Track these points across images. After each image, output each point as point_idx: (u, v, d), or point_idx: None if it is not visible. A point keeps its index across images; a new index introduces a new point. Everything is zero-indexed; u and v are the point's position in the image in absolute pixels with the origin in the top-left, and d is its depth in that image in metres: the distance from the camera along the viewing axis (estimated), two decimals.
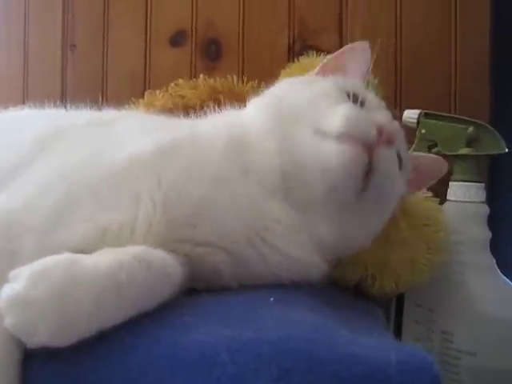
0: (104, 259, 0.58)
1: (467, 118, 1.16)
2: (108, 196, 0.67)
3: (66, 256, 0.56)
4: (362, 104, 0.74)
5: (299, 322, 0.57)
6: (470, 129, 1.13)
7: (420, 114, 1.18)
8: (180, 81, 1.29)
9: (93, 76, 1.64)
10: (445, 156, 1.02)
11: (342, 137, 0.67)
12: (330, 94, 0.75)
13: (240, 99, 0.89)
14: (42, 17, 1.72)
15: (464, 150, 1.12)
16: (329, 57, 0.89)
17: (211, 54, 1.57)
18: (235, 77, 1.30)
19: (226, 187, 0.71)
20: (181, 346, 0.54)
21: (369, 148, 0.67)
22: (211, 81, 1.26)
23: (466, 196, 1.13)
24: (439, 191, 1.07)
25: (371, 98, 0.78)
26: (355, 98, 0.75)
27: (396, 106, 1.38)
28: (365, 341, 0.54)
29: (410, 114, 1.19)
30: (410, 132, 0.88)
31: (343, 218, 0.71)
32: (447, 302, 1.11)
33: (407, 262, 0.91)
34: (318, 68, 0.88)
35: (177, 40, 1.59)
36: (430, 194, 1.03)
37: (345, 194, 0.69)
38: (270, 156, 0.72)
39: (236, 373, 0.49)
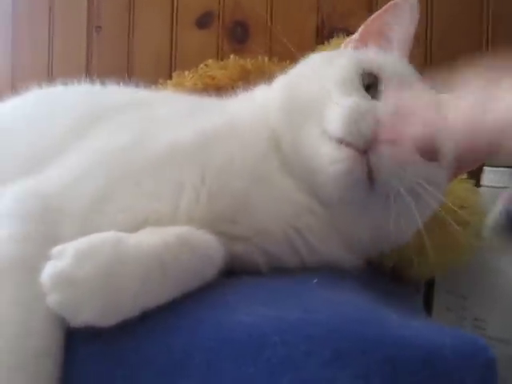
0: (149, 239, 0.57)
1: None
2: (149, 185, 0.65)
3: (111, 234, 0.55)
4: (377, 88, 0.70)
5: (348, 303, 0.56)
6: None
7: None
8: (209, 61, 1.28)
9: (118, 58, 1.63)
10: None
11: (340, 141, 0.64)
12: (344, 79, 0.70)
13: (271, 79, 0.87)
14: None
15: None
16: (373, 16, 0.79)
17: (238, 35, 1.55)
18: (266, 57, 1.28)
19: (264, 180, 0.69)
20: (226, 327, 0.52)
21: (365, 151, 0.63)
22: (241, 61, 1.24)
23: (500, 181, 1.11)
24: (473, 176, 1.05)
25: (399, 75, 0.72)
26: (373, 81, 0.70)
27: None
28: (416, 324, 0.52)
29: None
30: None
31: (364, 218, 0.68)
32: (480, 288, 1.10)
33: (443, 245, 0.89)
34: (359, 32, 0.80)
35: (203, 22, 1.57)
36: (464, 175, 1.00)
37: (350, 198, 0.66)
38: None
39: (286, 354, 0.48)
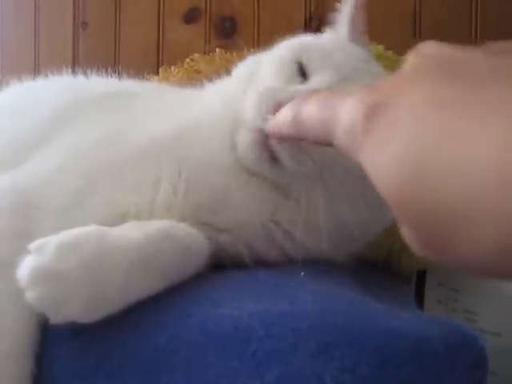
0: (131, 232, 0.57)
1: None
2: (127, 178, 0.65)
3: (94, 228, 0.54)
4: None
5: (335, 295, 0.55)
6: None
7: None
8: (195, 55, 1.26)
9: (105, 54, 1.61)
10: None
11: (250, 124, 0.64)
12: (277, 66, 0.70)
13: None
14: None
15: None
16: None
17: (225, 31, 1.54)
18: (252, 50, 1.27)
19: (243, 176, 0.68)
20: (211, 321, 0.51)
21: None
22: (227, 54, 1.23)
23: None
24: None
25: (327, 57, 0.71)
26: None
27: None
28: (405, 315, 0.52)
29: None
30: None
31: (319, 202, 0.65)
32: (472, 281, 1.09)
33: None
34: None
35: (191, 17, 1.56)
36: None
37: (260, 171, 0.66)
38: None
39: (273, 348, 0.47)
